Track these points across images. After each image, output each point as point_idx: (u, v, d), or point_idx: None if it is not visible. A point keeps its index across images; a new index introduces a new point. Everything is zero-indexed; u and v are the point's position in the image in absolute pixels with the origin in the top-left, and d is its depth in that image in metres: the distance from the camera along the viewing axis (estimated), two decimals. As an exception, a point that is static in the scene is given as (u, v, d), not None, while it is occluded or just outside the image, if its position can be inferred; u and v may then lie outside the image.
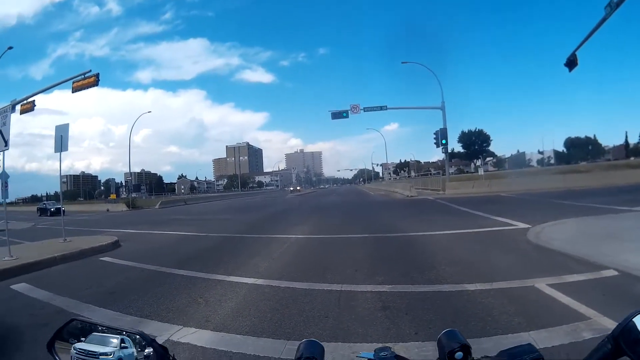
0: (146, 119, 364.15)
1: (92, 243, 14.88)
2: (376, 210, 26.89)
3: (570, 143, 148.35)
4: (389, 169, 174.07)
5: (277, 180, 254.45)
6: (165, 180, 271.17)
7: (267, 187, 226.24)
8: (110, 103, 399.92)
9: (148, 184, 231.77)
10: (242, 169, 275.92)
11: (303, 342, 1.32)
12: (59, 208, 43.97)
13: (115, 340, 1.09)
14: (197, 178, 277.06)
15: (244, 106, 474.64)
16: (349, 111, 41.99)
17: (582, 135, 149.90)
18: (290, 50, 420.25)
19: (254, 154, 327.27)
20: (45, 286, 9.17)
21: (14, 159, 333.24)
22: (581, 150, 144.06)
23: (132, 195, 65.16)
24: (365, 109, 42.12)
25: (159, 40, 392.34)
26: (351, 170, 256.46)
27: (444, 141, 38.72)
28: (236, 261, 10.70)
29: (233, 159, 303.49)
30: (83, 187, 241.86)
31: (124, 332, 1.12)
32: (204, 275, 9.25)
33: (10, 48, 34.60)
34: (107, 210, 54.45)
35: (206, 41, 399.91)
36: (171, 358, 1.06)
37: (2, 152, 13.78)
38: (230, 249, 13.00)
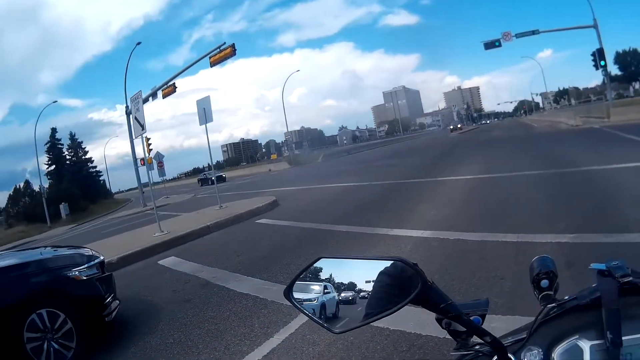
0: (299, 78, 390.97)
1: (248, 206, 14.97)
2: (543, 142, 25.18)
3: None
4: (549, 98, 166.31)
5: (438, 120, 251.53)
6: (327, 134, 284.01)
7: (429, 128, 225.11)
8: (259, 71, 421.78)
9: (309, 140, 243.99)
10: (401, 113, 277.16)
11: (535, 259, 1.25)
12: (220, 175, 51.35)
13: (317, 287, 1.11)
14: (357, 127, 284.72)
15: (395, 50, 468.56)
16: (501, 39, 40.04)
17: None
18: None
19: (412, 96, 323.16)
20: (194, 257, 9.31)
21: (172, 140, 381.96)
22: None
23: (295, 152, 66.43)
24: (517, 35, 39.98)
25: (293, 3, 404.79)
26: (511, 102, 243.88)
27: (602, 62, 35.72)
28: (401, 211, 10.23)
29: (391, 104, 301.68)
30: (244, 152, 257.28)
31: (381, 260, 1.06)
32: (365, 229, 8.85)
33: (138, 44, 39.78)
34: (269, 170, 56.18)
35: None
36: (430, 282, 1.00)
37: (142, 136, 14.61)
38: (394, 197, 12.66)
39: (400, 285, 0.99)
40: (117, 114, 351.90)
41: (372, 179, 18.79)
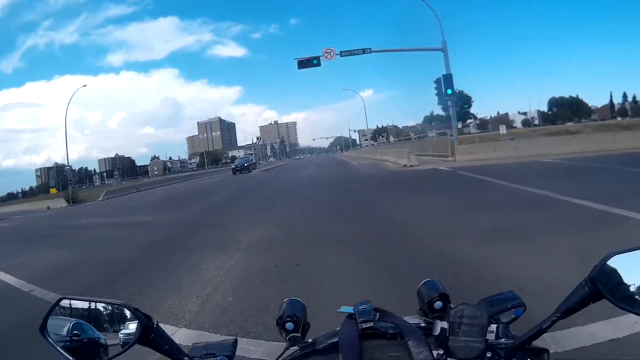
0: (121, 102, 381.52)
1: None
2: (373, 192, 17.43)
3: (555, 103, 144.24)
4: (367, 135, 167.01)
5: (251, 154, 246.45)
6: (140, 163, 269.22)
7: None
8: (83, 90, 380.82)
9: (120, 169, 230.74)
10: (215, 145, 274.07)
11: (285, 301, 1.28)
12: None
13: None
14: (170, 158, 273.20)
15: (218, 82, 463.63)
16: (321, 57, 32.33)
17: (566, 96, 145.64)
18: (262, 23, 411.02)
19: (227, 128, 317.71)
20: None
21: None
22: (566, 110, 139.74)
23: (78, 187, 55.71)
24: (342, 54, 32.46)
25: (129, 21, 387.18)
26: (327, 138, 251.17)
27: (449, 91, 30.01)
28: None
29: (205, 135, 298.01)
30: (57, 178, 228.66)
31: (110, 305, 1.15)
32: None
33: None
34: (48, 207, 46.46)
35: (176, 19, 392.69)
36: (155, 324, 1.06)
37: None
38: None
39: (128, 328, 1.05)
40: None
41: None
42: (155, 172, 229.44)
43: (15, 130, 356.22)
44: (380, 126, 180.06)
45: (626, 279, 0.96)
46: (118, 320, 1.10)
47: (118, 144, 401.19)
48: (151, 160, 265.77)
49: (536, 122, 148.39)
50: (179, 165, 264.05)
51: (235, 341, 1.16)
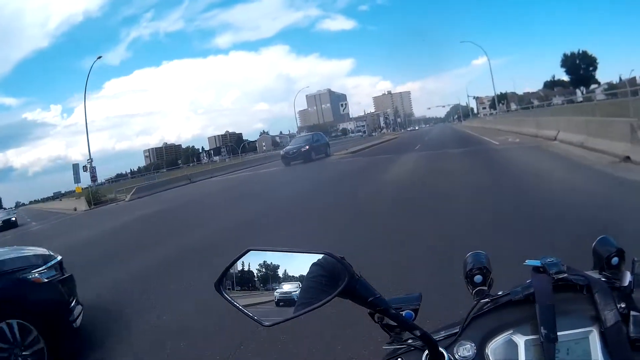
0: (233, 81, 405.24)
1: None
2: None
3: None
4: (484, 103, 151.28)
5: (362, 126, 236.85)
6: (253, 138, 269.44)
7: (353, 134, 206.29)
8: (194, 72, 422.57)
9: (227, 146, 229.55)
10: (325, 117, 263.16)
11: (469, 254, 1.31)
12: (9, 219, 37.50)
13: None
14: (280, 132, 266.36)
15: (329, 55, 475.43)
16: None
17: None
18: None
19: (337, 100, 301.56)
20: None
21: (104, 142, 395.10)
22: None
23: (95, 184, 44.07)
24: None
25: (233, 3, 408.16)
26: (443, 106, 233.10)
27: None
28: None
29: (314, 108, 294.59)
30: (167, 157, 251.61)
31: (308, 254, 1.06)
32: None
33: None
34: (75, 209, 38.29)
35: None
36: (358, 276, 1.01)
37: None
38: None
39: (329, 279, 0.99)
40: (51, 115, 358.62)
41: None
42: (264, 148, 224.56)
43: (127, 115, 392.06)
44: (498, 93, 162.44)
45: None
46: (314, 270, 1.01)
47: (233, 121, 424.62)
48: (260, 135, 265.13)
49: None
50: (288, 139, 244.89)
51: (420, 295, 1.18)
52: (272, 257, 1.08)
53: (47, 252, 5.69)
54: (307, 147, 35.77)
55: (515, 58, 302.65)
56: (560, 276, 1.11)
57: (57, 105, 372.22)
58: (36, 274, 5.02)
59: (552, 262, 1.15)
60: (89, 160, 40.80)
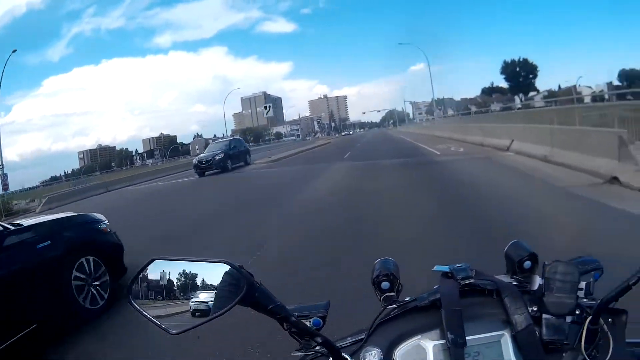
0: (171, 81, 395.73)
1: None
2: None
3: (626, 76, 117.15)
4: (421, 109, 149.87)
5: (297, 130, 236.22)
6: (188, 141, 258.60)
7: (287, 138, 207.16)
8: (132, 72, 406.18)
9: (160, 149, 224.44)
10: (260, 121, 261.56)
11: (377, 261, 1.32)
12: None
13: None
14: (214, 136, 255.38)
15: (268, 57, 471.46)
16: None
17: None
18: None
19: (273, 103, 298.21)
20: None
21: (40, 142, 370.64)
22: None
23: (7, 192, 39.03)
24: None
25: (175, 2, 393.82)
26: (378, 111, 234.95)
27: None
28: None
29: (249, 111, 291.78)
30: (101, 160, 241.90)
31: (208, 263, 1.10)
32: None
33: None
34: None
35: None
36: (258, 284, 1.04)
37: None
38: None
39: (230, 287, 1.01)
40: None
41: None
42: (197, 151, 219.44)
43: (65, 115, 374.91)
44: (436, 99, 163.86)
45: None
46: (216, 280, 1.03)
47: (170, 123, 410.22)
48: (194, 138, 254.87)
49: (606, 96, 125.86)
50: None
51: (328, 303, 1.19)
52: (180, 266, 1.07)
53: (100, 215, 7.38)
54: (222, 155, 31.09)
55: (453, 65, 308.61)
56: (467, 281, 1.12)
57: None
58: (104, 225, 6.90)
59: (460, 268, 1.16)
60: (1, 167, 36.49)
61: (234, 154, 32.95)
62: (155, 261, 1.09)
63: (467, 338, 1.02)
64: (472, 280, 1.13)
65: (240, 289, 0.98)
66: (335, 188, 14.49)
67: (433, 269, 1.20)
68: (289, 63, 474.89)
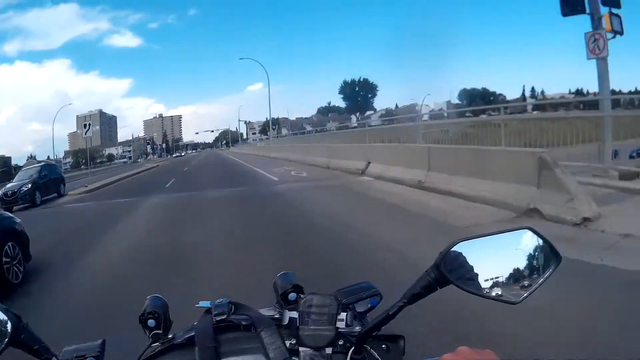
0: (13, 95, 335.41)
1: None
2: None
3: (466, 95, 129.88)
4: (255, 128, 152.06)
5: (129, 152, 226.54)
6: (22, 163, 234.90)
7: (119, 160, 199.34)
8: None
9: None
10: (94, 141, 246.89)
11: (148, 298, 1.30)
12: None
13: None
14: (48, 157, 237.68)
15: (110, 73, 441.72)
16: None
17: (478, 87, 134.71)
18: (160, 12, 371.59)
19: (108, 122, 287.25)
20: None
21: None
22: (480, 101, 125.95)
23: None
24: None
25: (29, 6, 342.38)
26: (212, 131, 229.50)
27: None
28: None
29: (83, 130, 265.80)
30: None
31: None
32: None
33: None
34: None
35: (76, 5, 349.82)
36: (26, 324, 1.04)
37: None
38: None
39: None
40: None
41: None
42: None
43: None
44: (268, 119, 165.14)
45: (470, 262, 1.00)
46: None
47: (6, 142, 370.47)
48: (27, 160, 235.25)
49: (445, 114, 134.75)
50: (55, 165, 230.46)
51: (104, 342, 1.16)
52: None
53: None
54: (31, 185, 24.88)
55: (292, 85, 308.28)
56: (220, 318, 1.13)
57: None
58: (19, 221, 8.79)
59: (220, 303, 1.17)
60: None
61: (45, 184, 26.94)
62: None
63: None
64: (224, 317, 1.13)
65: (7, 331, 0.96)
66: (141, 241, 9.98)
67: (197, 305, 1.21)
68: (129, 80, 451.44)
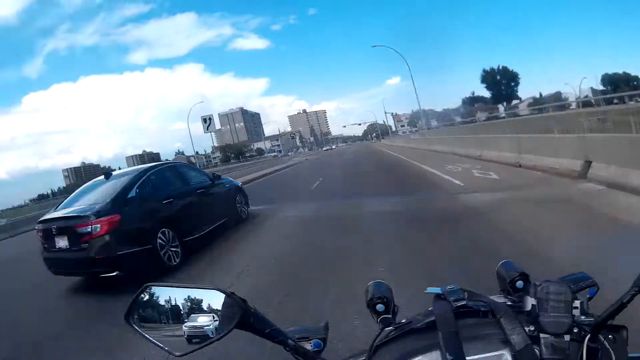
0: (150, 98, 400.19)
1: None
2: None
3: (609, 80, 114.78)
4: (402, 120, 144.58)
5: (277, 146, 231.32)
6: (171, 159, 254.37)
7: (268, 154, 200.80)
8: (111, 89, 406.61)
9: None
10: (240, 137, 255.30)
11: (370, 284, 1.31)
12: None
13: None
14: (197, 153, 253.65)
15: (244, 74, 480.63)
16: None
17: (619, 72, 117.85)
18: (280, 14, 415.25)
19: (251, 119, 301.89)
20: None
21: (27, 160, 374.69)
22: (626, 86, 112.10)
23: None
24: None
25: (147, 19, 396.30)
26: (359, 124, 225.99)
27: None
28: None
29: (228, 127, 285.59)
30: (86, 178, 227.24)
31: (200, 290, 1.13)
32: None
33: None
34: None
35: (194, 15, 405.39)
36: (253, 308, 1.06)
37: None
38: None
39: (225, 313, 1.04)
40: None
41: None
42: None
43: (48, 133, 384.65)
44: (414, 110, 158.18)
45: None
46: (209, 306, 1.07)
47: (152, 141, 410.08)
48: (175, 155, 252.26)
49: (592, 101, 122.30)
50: (204, 160, 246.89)
51: (327, 324, 1.19)
52: (173, 293, 1.10)
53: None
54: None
55: (430, 77, 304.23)
56: (460, 303, 1.11)
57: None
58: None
59: (452, 290, 1.16)
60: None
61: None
62: (149, 287, 1.11)
63: (467, 359, 0.99)
64: (464, 302, 1.12)
65: (235, 315, 1.00)
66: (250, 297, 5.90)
67: (425, 291, 1.19)
68: (265, 79, 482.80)
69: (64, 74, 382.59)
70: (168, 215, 9.39)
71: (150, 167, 10.47)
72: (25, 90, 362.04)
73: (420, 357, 1.03)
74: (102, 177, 10.02)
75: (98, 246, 7.92)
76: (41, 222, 8.97)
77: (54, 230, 8.42)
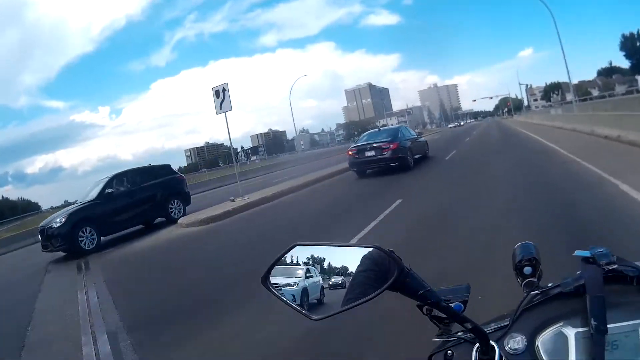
0: (280, 78, 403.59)
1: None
2: None
3: None
4: (535, 94, 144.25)
5: (404, 121, 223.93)
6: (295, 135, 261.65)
7: None
8: (240, 71, 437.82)
9: (261, 145, 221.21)
10: (367, 113, 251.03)
11: (518, 245, 1.30)
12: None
13: (300, 272, 1.11)
14: (322, 130, 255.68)
15: (375, 50, 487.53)
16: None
17: None
18: None
19: (379, 95, 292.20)
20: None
21: (153, 141, 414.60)
22: None
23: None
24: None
25: (275, 3, 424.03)
26: (490, 98, 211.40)
27: None
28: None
29: (354, 103, 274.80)
30: (208, 157, 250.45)
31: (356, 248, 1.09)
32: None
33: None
34: None
35: None
36: (408, 269, 1.01)
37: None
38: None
39: (378, 272, 1.00)
40: (100, 116, 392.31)
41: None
42: (302, 146, 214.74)
43: (176, 115, 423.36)
44: (548, 83, 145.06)
45: None
46: (359, 265, 1.02)
47: (282, 119, 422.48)
48: (300, 132, 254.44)
49: None
50: (328, 137, 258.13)
51: (468, 286, 1.18)
52: (318, 251, 1.08)
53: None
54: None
55: (563, 48, 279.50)
56: (611, 267, 1.08)
57: (105, 107, 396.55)
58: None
59: (602, 253, 1.12)
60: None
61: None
62: (298, 246, 1.09)
63: (609, 326, 0.97)
64: (615, 266, 1.08)
65: (390, 274, 0.97)
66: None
67: (574, 254, 1.17)
68: (397, 55, 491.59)
69: (193, 60, 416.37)
70: (412, 146, 21.01)
71: (401, 125, 23.55)
72: (154, 78, 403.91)
73: (562, 323, 1.01)
74: (377, 129, 22.75)
75: (390, 153, 18.91)
76: (356, 146, 20.26)
77: (367, 147, 19.46)
